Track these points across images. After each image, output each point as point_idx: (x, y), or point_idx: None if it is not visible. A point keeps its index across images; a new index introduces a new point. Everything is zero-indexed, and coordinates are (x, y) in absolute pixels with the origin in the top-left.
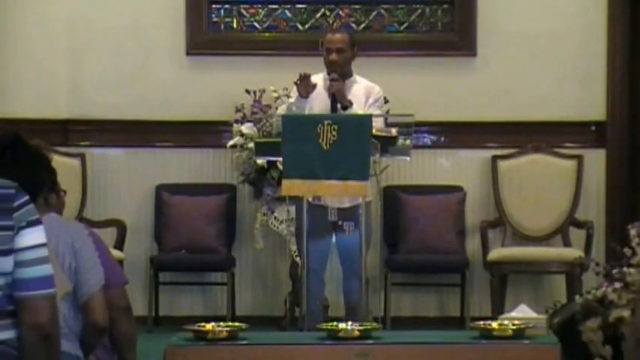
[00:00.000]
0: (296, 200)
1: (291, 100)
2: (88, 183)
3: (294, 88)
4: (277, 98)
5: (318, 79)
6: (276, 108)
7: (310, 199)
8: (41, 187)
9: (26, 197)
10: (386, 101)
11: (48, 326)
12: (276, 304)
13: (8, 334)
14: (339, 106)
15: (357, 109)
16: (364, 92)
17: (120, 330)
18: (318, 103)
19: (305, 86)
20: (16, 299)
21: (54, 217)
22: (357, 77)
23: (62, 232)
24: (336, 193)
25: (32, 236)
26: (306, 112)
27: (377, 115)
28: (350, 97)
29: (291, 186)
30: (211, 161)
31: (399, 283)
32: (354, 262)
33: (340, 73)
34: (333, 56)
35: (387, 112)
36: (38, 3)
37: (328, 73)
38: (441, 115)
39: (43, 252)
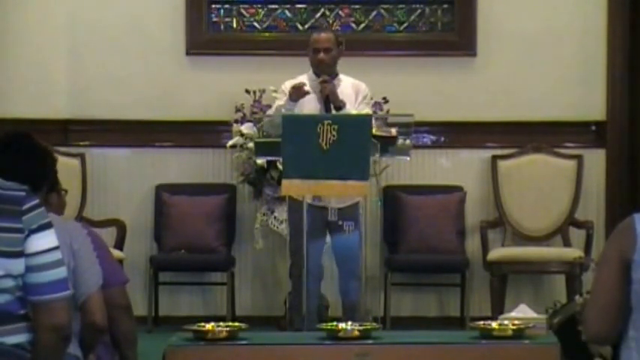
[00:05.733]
0: (292, 202)
1: (280, 102)
2: (88, 183)
3: (282, 88)
4: (277, 98)
5: (303, 79)
6: None
7: (309, 200)
8: (43, 181)
9: (36, 201)
10: (386, 101)
11: (67, 328)
12: (276, 304)
13: (21, 338)
14: (332, 106)
15: (349, 107)
16: (352, 90)
17: (120, 328)
18: (308, 104)
19: (298, 94)
20: (32, 303)
21: (52, 217)
22: (342, 76)
23: (60, 232)
24: (336, 193)
25: (44, 240)
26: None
27: (377, 117)
28: (340, 96)
29: (291, 186)
30: (211, 161)
31: (399, 283)
32: (351, 262)
33: (328, 73)
34: (321, 56)
35: (387, 112)
36: (38, 3)
37: (315, 73)
38: (441, 115)
39: (57, 255)
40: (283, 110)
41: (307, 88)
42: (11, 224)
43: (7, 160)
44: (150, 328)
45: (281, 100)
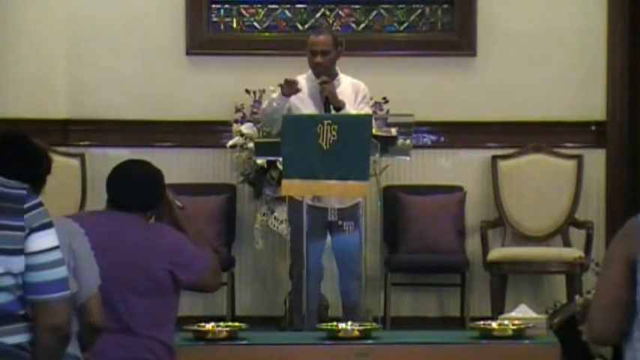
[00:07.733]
0: (292, 202)
1: (273, 95)
2: (88, 183)
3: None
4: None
5: (302, 79)
6: None
7: (309, 200)
8: (39, 182)
9: (38, 199)
10: (386, 101)
11: (66, 327)
12: (276, 304)
13: (21, 338)
14: (331, 107)
15: (349, 108)
16: (352, 90)
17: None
18: (307, 105)
19: (290, 89)
20: (32, 302)
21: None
22: (341, 76)
23: (60, 232)
24: (336, 193)
25: (45, 239)
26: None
27: (377, 117)
28: (339, 96)
29: (291, 186)
30: (211, 161)
31: (399, 283)
32: (351, 262)
33: (326, 75)
34: (319, 59)
35: (387, 112)
36: (38, 2)
37: (315, 75)
38: (441, 115)
39: (57, 254)
40: (274, 104)
41: (300, 85)
42: (12, 222)
43: (2, 161)
44: None
45: (274, 94)
